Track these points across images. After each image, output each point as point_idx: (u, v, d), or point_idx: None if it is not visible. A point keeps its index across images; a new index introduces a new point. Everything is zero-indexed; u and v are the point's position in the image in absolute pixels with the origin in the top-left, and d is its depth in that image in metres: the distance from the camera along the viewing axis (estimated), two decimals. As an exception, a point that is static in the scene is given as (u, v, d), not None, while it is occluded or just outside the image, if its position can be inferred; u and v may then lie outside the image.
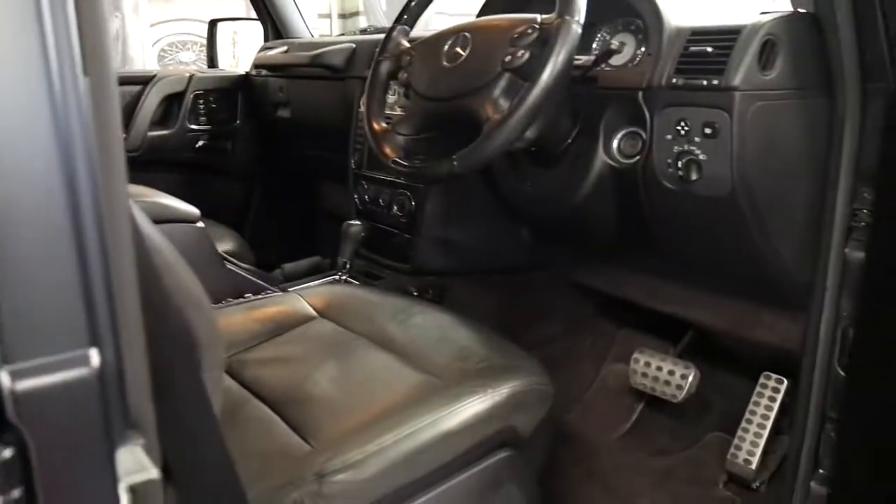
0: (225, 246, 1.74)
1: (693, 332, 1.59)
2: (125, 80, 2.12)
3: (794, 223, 1.17)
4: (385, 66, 1.34)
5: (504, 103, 1.12)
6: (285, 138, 2.29)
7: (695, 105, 1.12)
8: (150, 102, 2.13)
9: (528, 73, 1.09)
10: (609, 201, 1.30)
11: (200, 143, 2.24)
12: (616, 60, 1.31)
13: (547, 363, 1.15)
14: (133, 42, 4.06)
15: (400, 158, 1.24)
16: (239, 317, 1.30)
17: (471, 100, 1.15)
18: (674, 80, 1.14)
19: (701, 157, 1.12)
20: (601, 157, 1.27)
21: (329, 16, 4.80)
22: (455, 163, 1.12)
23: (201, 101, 2.23)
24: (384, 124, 1.29)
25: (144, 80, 2.13)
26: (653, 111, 1.18)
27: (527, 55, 1.11)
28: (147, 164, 2.17)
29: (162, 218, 1.30)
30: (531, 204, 1.44)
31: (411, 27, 1.35)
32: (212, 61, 2.47)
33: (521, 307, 1.80)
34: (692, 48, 1.14)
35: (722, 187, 1.11)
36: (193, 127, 2.22)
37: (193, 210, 1.36)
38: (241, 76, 2.30)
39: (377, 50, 1.36)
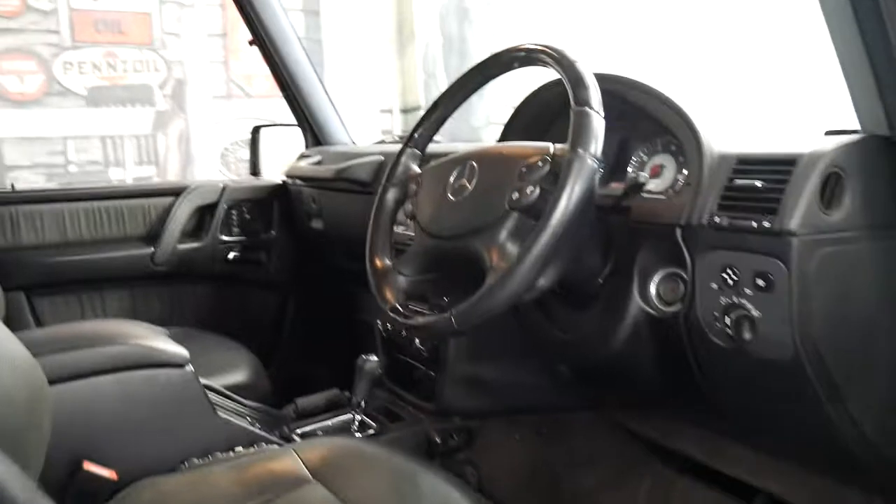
0: (236, 377, 1.61)
1: (765, 497, 1.33)
2: (156, 192, 2.07)
3: (875, 390, 0.94)
4: (392, 195, 1.20)
5: (511, 248, 0.95)
6: (319, 249, 2.18)
7: (743, 250, 0.92)
8: (181, 214, 2.06)
9: (537, 213, 0.93)
10: (650, 351, 1.10)
11: (233, 254, 2.15)
12: (655, 185, 1.13)
13: None
14: (196, 142, 4.14)
15: (400, 303, 1.08)
16: (223, 476, 1.14)
17: (475, 241, 0.99)
18: (717, 219, 0.95)
19: (754, 313, 0.91)
20: (637, 303, 1.07)
21: (391, 111, 4.80)
22: (453, 319, 0.95)
23: (234, 212, 2.15)
24: (387, 261, 1.14)
25: (175, 191, 2.08)
26: (694, 253, 0.99)
27: (536, 192, 0.94)
28: (175, 278, 2.09)
29: (145, 363, 1.18)
30: (563, 349, 1.25)
31: (422, 150, 1.22)
32: (254, 168, 2.42)
33: (564, 452, 1.58)
34: (738, 181, 0.95)
35: (782, 350, 0.90)
36: (226, 238, 2.14)
37: (181, 353, 1.23)
38: (277, 185, 2.22)
39: (385, 175, 1.22)
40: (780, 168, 0.91)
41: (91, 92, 3.88)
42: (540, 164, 0.95)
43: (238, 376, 1.61)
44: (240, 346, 1.81)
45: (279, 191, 2.22)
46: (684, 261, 1.00)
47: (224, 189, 2.13)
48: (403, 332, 1.05)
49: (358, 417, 1.48)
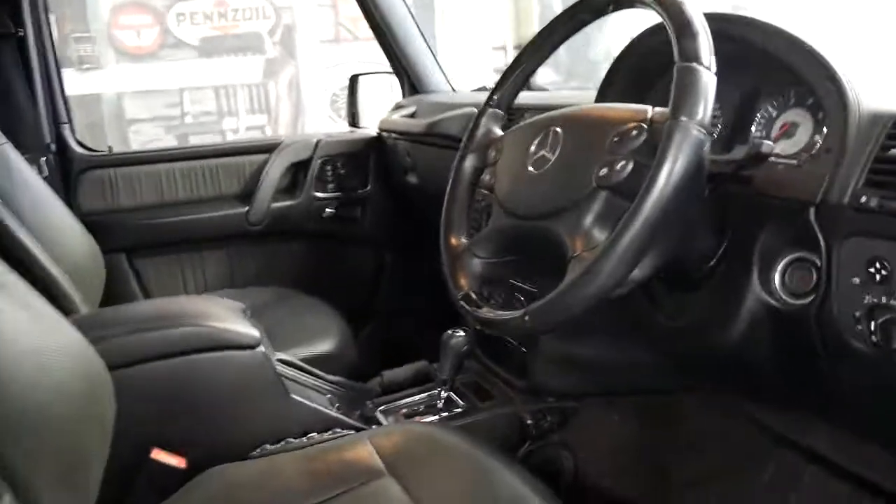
0: (322, 346, 1.54)
1: None
2: (249, 150, 2.02)
3: None
4: (470, 162, 1.06)
5: (598, 234, 0.80)
6: (416, 204, 2.07)
7: (897, 240, 0.73)
8: (275, 171, 2.00)
9: (631, 192, 0.77)
10: (770, 348, 0.92)
11: (328, 211, 2.09)
12: (785, 147, 0.93)
13: None
14: (306, 88, 4.11)
15: (475, 291, 0.95)
16: (293, 466, 1.08)
17: (558, 224, 0.85)
18: (862, 199, 0.75)
19: (909, 318, 0.72)
20: (756, 292, 0.89)
21: (504, 48, 4.57)
22: (527, 318, 0.81)
23: (329, 167, 2.07)
24: (463, 239, 1.01)
25: (269, 148, 2.02)
26: (830, 238, 0.79)
27: (629, 167, 0.78)
28: (271, 237, 2.05)
29: (213, 345, 1.12)
30: (669, 336, 1.08)
31: (506, 110, 1.06)
32: (353, 118, 2.32)
33: (670, 436, 1.42)
34: (895, 149, 0.74)
35: (946, 366, 0.71)
36: (320, 195, 2.07)
37: (252, 333, 1.16)
38: (373, 138, 2.12)
39: (464, 141, 1.08)
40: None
41: (203, 42, 3.92)
42: (635, 132, 0.78)
43: (324, 346, 1.55)
44: (331, 311, 1.75)
45: (374, 144, 2.12)
46: (818, 246, 0.81)
47: (318, 144, 2.05)
48: (477, 326, 0.92)
49: (444, 394, 1.38)
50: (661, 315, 1.06)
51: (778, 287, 0.87)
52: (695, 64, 0.74)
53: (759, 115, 0.99)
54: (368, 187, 2.13)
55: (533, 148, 0.91)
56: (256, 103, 4.05)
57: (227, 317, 1.18)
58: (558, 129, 0.89)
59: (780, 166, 0.89)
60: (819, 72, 0.85)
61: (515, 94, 1.06)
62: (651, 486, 1.45)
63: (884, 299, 0.74)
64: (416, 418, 1.36)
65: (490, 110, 1.06)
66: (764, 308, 0.89)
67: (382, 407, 1.40)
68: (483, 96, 1.92)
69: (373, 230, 2.17)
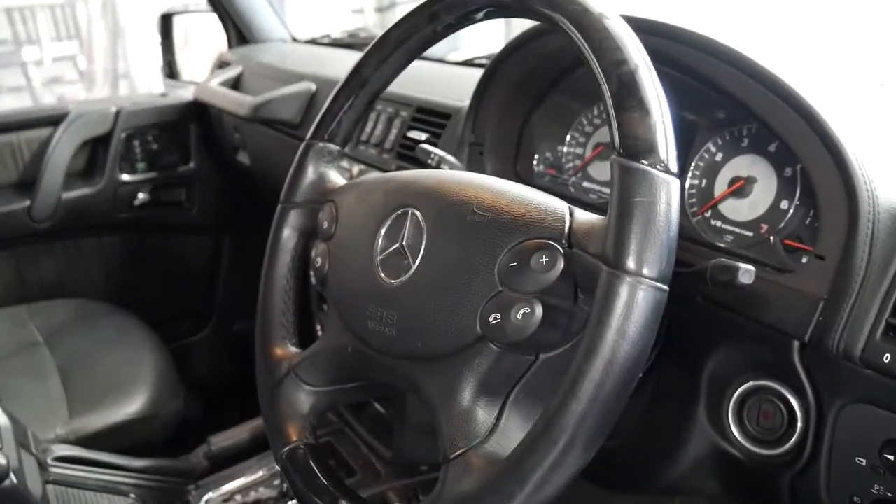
0: (132, 404, 1.18)
1: None
2: (23, 123, 1.55)
3: None
4: (294, 223, 0.71)
5: (484, 418, 0.50)
6: (252, 189, 1.69)
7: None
8: (63, 151, 1.55)
9: (538, 351, 0.48)
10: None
11: (142, 196, 1.67)
12: (736, 210, 0.67)
13: None
14: (125, 9, 3.48)
15: (305, 442, 0.64)
16: None
17: (423, 378, 0.54)
18: (885, 358, 0.49)
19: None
20: (703, 429, 0.64)
21: (362, 11, 4.00)
22: None
23: (137, 143, 1.64)
24: (290, 348, 0.68)
25: (52, 121, 1.56)
26: (825, 394, 0.54)
27: (537, 314, 0.48)
28: (67, 234, 1.62)
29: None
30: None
31: (343, 144, 0.72)
32: (170, 68, 1.87)
33: None
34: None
35: None
36: (128, 178, 1.64)
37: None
38: (190, 104, 1.69)
39: (285, 186, 0.73)
40: None
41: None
42: (545, 259, 0.48)
43: (135, 401, 1.19)
44: (147, 333, 1.38)
45: (194, 112, 1.69)
46: (801, 387, 0.56)
47: (119, 114, 1.60)
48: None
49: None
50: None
51: (733, 426, 0.62)
52: (645, 165, 0.43)
53: (696, 159, 0.71)
54: (191, 164, 1.72)
55: (381, 240, 0.59)
56: (63, 28, 3.38)
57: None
58: (419, 217, 0.57)
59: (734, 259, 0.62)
60: (801, 130, 0.57)
61: (356, 123, 0.72)
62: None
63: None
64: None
65: (319, 146, 0.71)
66: (712, 449, 0.64)
67: (209, 496, 1.09)
68: (331, 56, 1.56)
69: (203, 214, 1.77)
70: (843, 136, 0.54)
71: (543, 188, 0.85)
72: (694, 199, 0.71)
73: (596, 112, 0.83)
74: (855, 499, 0.53)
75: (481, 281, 0.50)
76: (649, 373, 0.68)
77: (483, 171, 0.87)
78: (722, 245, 0.66)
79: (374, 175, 0.69)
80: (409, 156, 0.98)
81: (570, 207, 0.50)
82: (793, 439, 0.57)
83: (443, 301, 0.52)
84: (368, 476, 1.11)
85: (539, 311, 0.47)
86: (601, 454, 0.46)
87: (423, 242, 0.55)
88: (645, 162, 0.43)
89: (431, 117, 0.98)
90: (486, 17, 0.58)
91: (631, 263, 0.41)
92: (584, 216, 0.48)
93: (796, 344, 0.54)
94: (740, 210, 0.67)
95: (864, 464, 0.52)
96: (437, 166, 0.78)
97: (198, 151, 1.72)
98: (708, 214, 0.69)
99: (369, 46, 0.67)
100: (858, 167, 0.53)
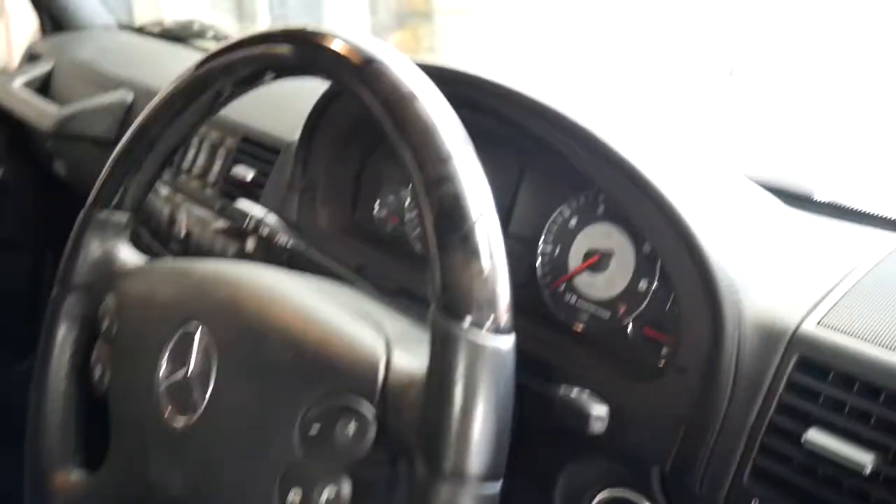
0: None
1: None
2: None
3: None
4: (72, 312, 0.58)
5: None
6: (73, 200, 1.49)
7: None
8: None
9: None
10: None
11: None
12: (590, 287, 0.60)
13: None
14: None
15: None
16: None
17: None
18: (753, 500, 0.43)
19: None
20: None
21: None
22: None
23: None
24: (72, 473, 0.55)
25: None
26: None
27: (345, 491, 0.38)
28: None
29: None
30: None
31: (134, 210, 0.59)
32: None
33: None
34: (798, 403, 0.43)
35: None
36: None
37: None
38: (-10, 102, 1.45)
39: (60, 267, 0.59)
40: None
41: None
42: (352, 427, 0.38)
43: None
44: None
45: (-1, 110, 1.46)
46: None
47: None
48: None
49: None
50: None
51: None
52: (469, 326, 0.34)
53: (549, 223, 0.63)
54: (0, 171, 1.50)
55: (165, 363, 0.47)
56: None
57: None
58: (207, 337, 0.45)
59: (590, 352, 0.55)
60: (655, 214, 0.50)
61: (149, 185, 0.59)
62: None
63: None
64: None
65: (101, 216, 0.57)
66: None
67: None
68: (158, 52, 1.38)
69: (19, 227, 1.55)
70: (700, 233, 0.47)
71: (386, 241, 0.76)
72: (547, 269, 0.63)
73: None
74: None
75: (280, 441, 0.40)
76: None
77: (316, 223, 0.76)
78: (577, 330, 0.59)
79: (170, 264, 0.56)
80: (235, 194, 0.85)
81: (387, 347, 0.40)
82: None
83: (234, 464, 0.41)
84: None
85: (347, 490, 0.38)
86: None
87: (213, 376, 0.44)
88: (469, 320, 0.34)
89: (259, 150, 0.86)
90: (276, 78, 0.48)
91: (450, 463, 0.32)
92: (402, 363, 0.39)
93: (656, 472, 0.48)
94: (597, 286, 0.59)
95: None
96: (255, 232, 0.66)
97: (8, 157, 1.50)
98: (562, 289, 0.61)
99: (155, 101, 0.54)
100: (717, 268, 0.46)
